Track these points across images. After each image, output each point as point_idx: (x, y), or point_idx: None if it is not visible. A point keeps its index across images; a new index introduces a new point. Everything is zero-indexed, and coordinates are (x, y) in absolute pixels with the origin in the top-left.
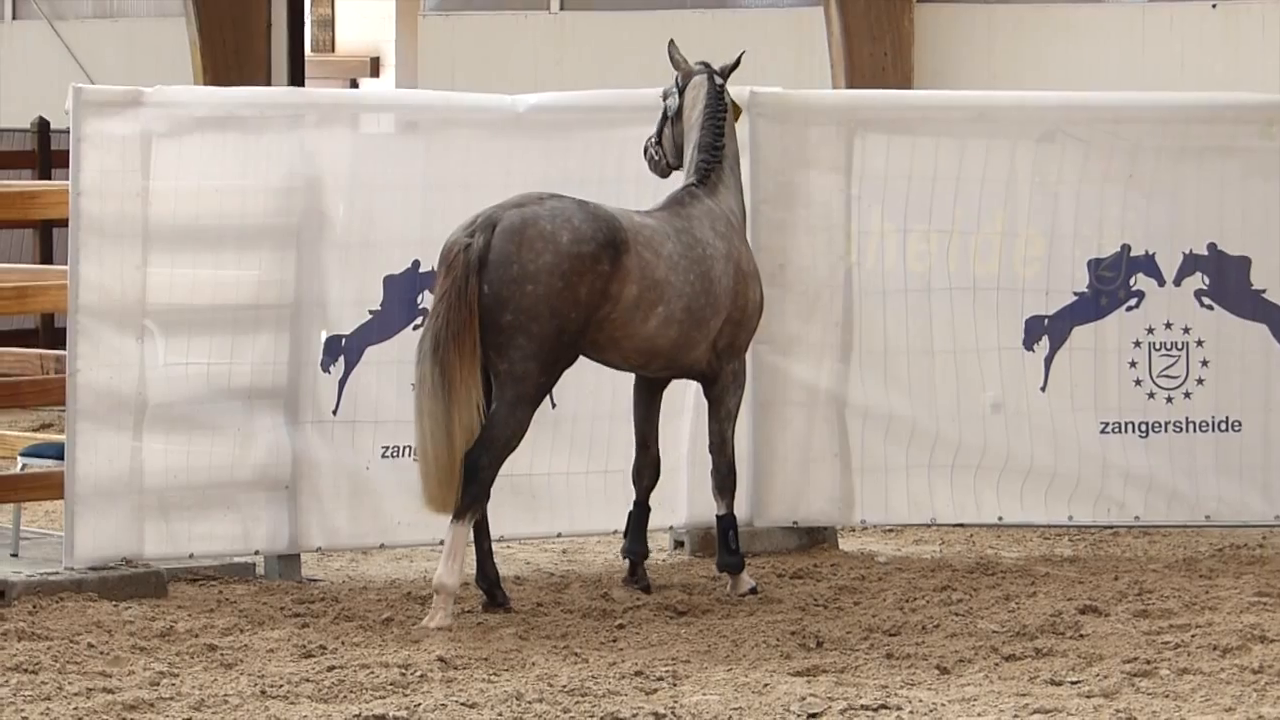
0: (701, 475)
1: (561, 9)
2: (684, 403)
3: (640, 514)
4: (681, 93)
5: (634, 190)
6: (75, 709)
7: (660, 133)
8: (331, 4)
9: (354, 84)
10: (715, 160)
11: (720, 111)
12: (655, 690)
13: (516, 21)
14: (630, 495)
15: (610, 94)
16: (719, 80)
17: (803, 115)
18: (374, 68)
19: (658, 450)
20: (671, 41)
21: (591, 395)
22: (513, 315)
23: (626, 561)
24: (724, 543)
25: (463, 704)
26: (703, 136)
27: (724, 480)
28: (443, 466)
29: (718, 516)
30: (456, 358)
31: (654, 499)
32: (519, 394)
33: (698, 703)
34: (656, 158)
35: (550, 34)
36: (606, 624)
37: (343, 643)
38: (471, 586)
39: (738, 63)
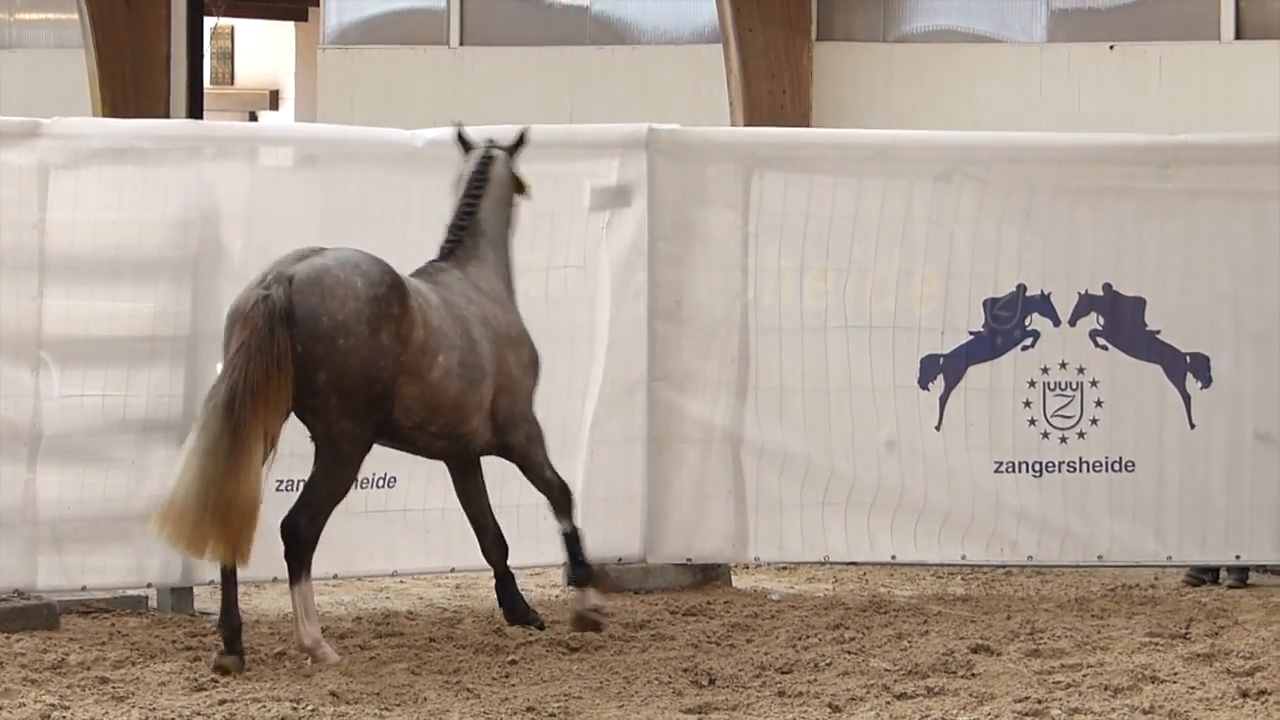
0: (595, 512)
1: (461, 44)
2: (579, 438)
3: (505, 584)
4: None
5: (529, 225)
6: None
7: None
8: (231, 36)
9: (253, 117)
10: (458, 238)
11: (475, 188)
12: None
13: (416, 56)
14: (532, 529)
15: (508, 129)
16: (489, 156)
17: (700, 152)
18: (273, 100)
19: (496, 524)
20: (459, 123)
21: None
22: (326, 373)
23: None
24: (573, 556)
25: None
26: (454, 213)
27: (559, 500)
28: (189, 520)
29: (564, 534)
30: (252, 415)
31: (548, 535)
32: (338, 454)
33: None
34: None
35: (450, 69)
36: (499, 659)
37: (234, 676)
38: (362, 621)
39: (521, 140)
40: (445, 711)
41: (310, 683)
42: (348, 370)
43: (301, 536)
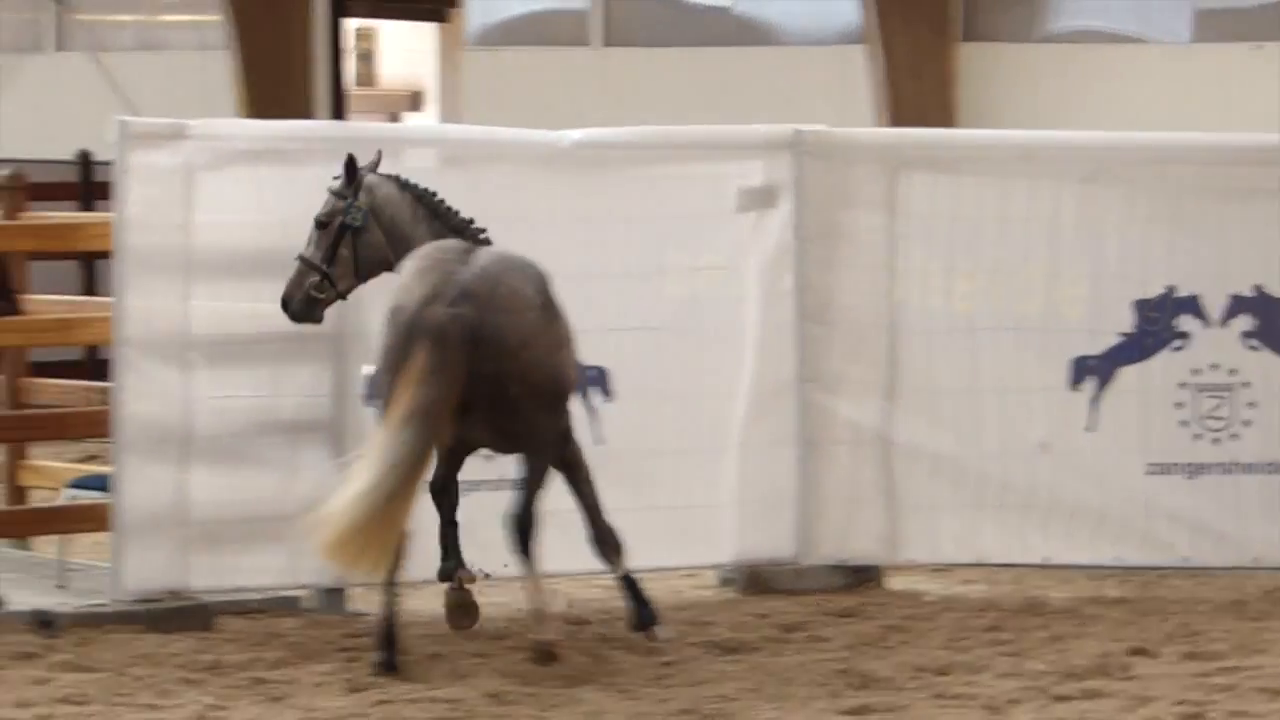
0: (747, 514)
1: (604, 45)
2: (728, 440)
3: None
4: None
5: (674, 225)
6: None
7: (332, 253)
8: (374, 38)
9: (396, 118)
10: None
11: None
12: None
13: (559, 57)
14: (672, 530)
15: (652, 130)
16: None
17: (846, 154)
18: (416, 102)
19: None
20: (349, 155)
21: (638, 432)
22: (518, 385)
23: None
24: (636, 597)
25: None
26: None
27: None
28: (361, 536)
29: (622, 578)
30: (440, 432)
31: (700, 536)
32: (542, 443)
33: None
34: (320, 293)
35: (592, 69)
36: (654, 661)
37: (391, 677)
38: (516, 622)
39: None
40: (603, 713)
41: (467, 684)
42: (536, 376)
43: (532, 530)
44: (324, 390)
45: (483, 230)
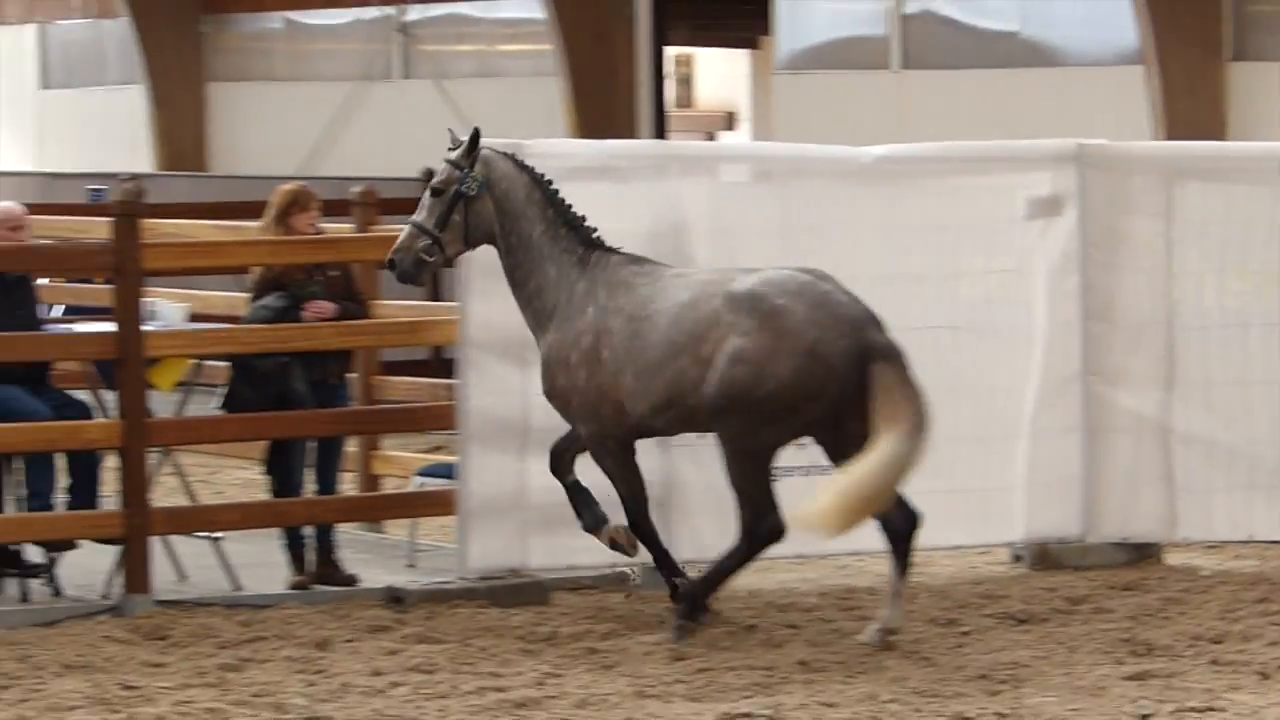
0: (1037, 495)
1: (902, 68)
2: (1021, 428)
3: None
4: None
5: (968, 233)
6: (469, 705)
7: (445, 219)
8: (691, 63)
9: (712, 137)
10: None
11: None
12: (998, 692)
13: (861, 80)
14: (969, 511)
15: (948, 146)
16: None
17: (1126, 165)
18: (730, 122)
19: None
20: (475, 129)
21: (937, 421)
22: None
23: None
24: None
25: (822, 703)
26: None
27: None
28: (852, 512)
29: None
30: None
31: (994, 517)
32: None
33: (1038, 704)
34: (429, 256)
35: (891, 91)
36: (953, 632)
37: (711, 647)
38: (826, 596)
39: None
40: (905, 678)
41: (781, 652)
42: None
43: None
44: None
45: (595, 229)
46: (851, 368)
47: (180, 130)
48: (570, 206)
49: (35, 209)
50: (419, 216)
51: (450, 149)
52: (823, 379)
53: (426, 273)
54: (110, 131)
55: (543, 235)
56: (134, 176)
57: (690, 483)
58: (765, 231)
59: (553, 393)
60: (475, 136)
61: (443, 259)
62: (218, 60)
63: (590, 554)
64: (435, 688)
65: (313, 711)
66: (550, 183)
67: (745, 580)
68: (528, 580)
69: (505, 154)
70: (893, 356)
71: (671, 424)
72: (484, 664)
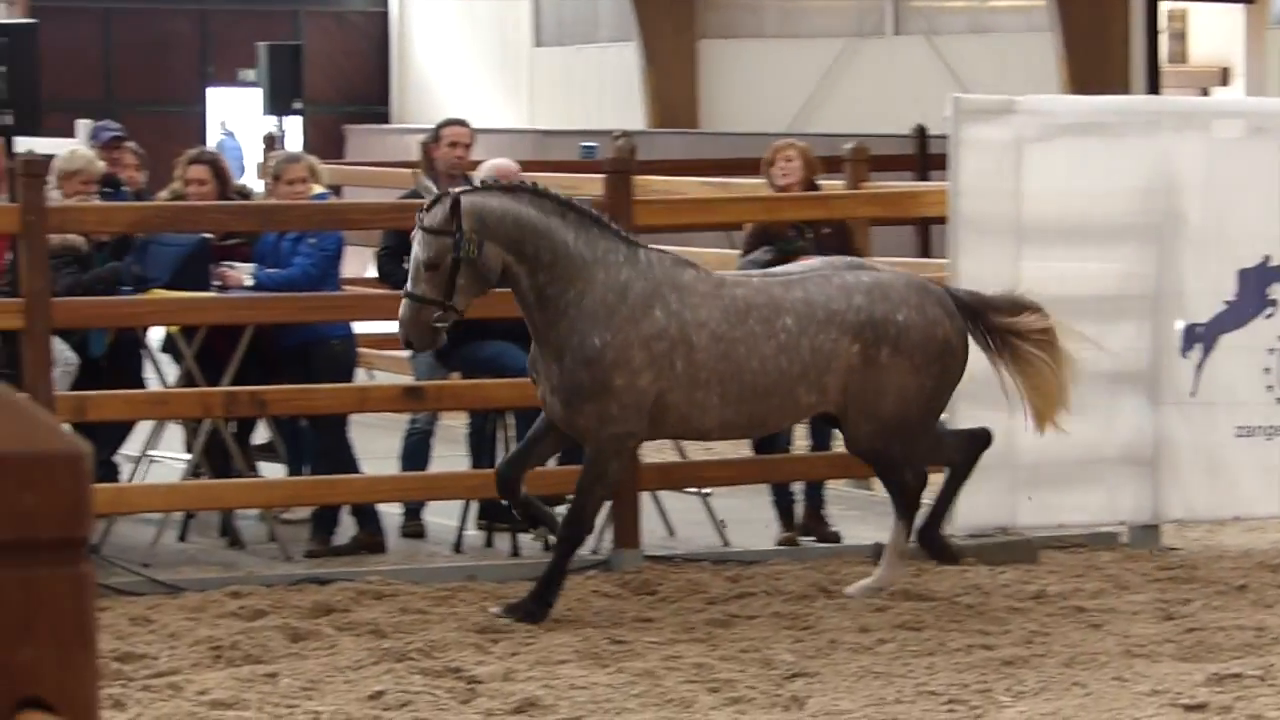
0: None
1: None
2: None
3: None
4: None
5: None
6: (956, 663)
7: (450, 288)
8: (1185, 18)
9: (1205, 92)
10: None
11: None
12: None
13: None
14: None
15: None
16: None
17: None
18: (1224, 77)
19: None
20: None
21: None
22: None
23: None
24: None
25: None
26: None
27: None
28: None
29: None
30: None
31: None
32: None
33: None
34: (443, 323)
35: None
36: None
37: (1201, 607)
38: None
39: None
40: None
41: (1271, 613)
42: None
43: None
44: (1143, 344)
45: (619, 226)
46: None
47: (671, 87)
48: (590, 206)
49: (527, 165)
50: (417, 290)
51: (421, 212)
52: (962, 360)
53: (442, 336)
54: (601, 89)
55: (579, 241)
56: (625, 133)
57: (1180, 442)
58: (1259, 187)
59: (598, 391)
60: (455, 204)
61: (457, 315)
62: (709, 17)
63: (1079, 513)
64: (922, 645)
65: (800, 667)
66: (551, 191)
67: (1234, 539)
68: (1016, 538)
69: (486, 186)
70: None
71: (734, 434)
72: (971, 622)
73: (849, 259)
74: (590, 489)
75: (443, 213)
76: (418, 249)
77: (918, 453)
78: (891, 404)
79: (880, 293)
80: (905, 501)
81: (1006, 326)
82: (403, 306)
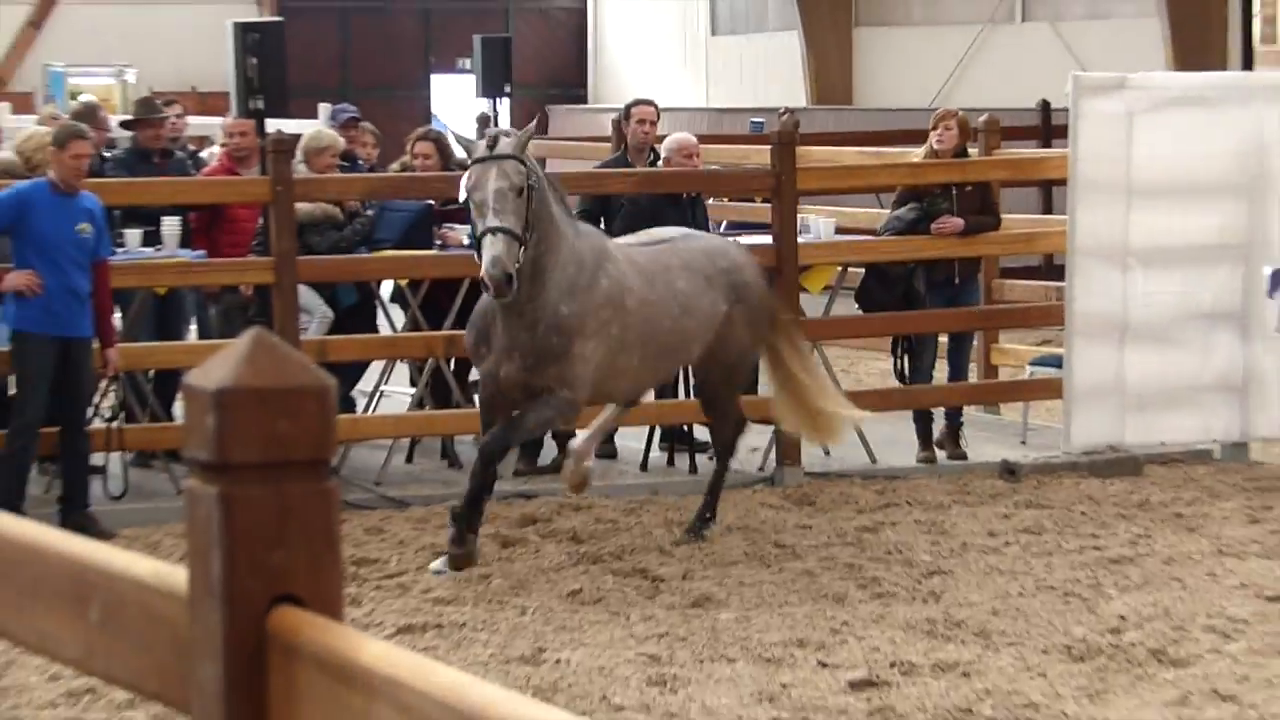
0: None
1: None
2: None
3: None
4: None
5: None
6: (1071, 561)
7: (525, 217)
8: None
9: None
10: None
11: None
12: None
13: None
14: None
15: None
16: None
17: None
18: None
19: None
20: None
21: None
22: None
23: None
24: None
25: None
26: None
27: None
28: None
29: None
30: None
31: None
32: None
33: None
34: (519, 262)
35: None
36: None
37: None
38: None
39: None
40: None
41: None
42: None
43: None
44: (1235, 286)
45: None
46: None
47: (830, 69)
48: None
49: (705, 139)
50: (505, 221)
51: (489, 143)
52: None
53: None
54: (769, 71)
55: (559, 209)
56: (789, 110)
57: (1267, 371)
58: None
59: (563, 355)
60: (529, 132)
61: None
62: (863, 7)
63: (1179, 432)
64: (1042, 546)
65: (936, 566)
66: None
67: None
68: (1124, 455)
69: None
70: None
71: (631, 397)
72: (1084, 526)
73: (682, 229)
74: (522, 427)
75: (519, 140)
76: (495, 179)
77: (734, 399)
78: (734, 355)
79: (730, 258)
80: (725, 445)
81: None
82: (492, 243)
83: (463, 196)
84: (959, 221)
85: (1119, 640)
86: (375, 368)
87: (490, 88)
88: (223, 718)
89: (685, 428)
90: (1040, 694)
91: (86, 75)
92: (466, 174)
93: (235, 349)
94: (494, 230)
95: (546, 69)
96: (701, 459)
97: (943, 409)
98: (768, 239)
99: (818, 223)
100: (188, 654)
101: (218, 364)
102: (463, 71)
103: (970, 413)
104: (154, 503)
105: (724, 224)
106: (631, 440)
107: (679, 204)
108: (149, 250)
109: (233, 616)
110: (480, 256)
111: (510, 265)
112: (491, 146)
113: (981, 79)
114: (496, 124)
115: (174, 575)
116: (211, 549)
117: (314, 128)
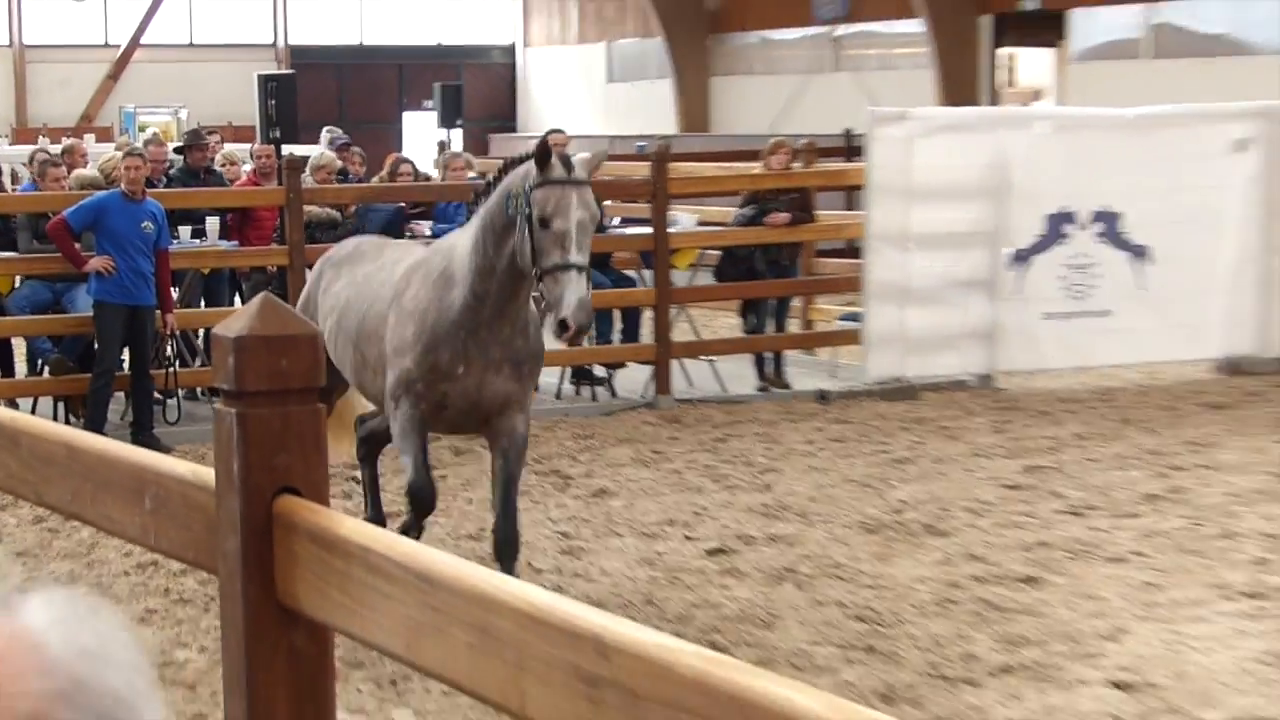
0: (1230, 322)
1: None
2: (1219, 283)
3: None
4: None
5: (1189, 164)
6: (867, 460)
7: (534, 248)
8: (1014, 59)
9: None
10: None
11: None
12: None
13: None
14: (1179, 334)
15: (1179, 106)
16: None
17: None
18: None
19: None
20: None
21: (1163, 280)
22: None
23: None
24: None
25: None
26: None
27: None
28: None
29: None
30: None
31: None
32: None
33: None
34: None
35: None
36: (1171, 414)
37: (1020, 425)
38: None
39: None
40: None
41: (1063, 428)
42: None
43: None
44: (985, 262)
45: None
46: None
47: (694, 107)
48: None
49: (611, 157)
50: (587, 260)
51: (563, 161)
52: None
53: None
54: (650, 108)
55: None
56: (664, 137)
57: (1007, 322)
58: (1061, 165)
59: (539, 354)
60: (602, 154)
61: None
62: (718, 62)
63: (944, 368)
64: (846, 450)
65: (770, 465)
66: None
67: (1043, 384)
68: (905, 384)
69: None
70: None
71: None
72: (877, 436)
73: (376, 238)
74: (515, 496)
75: (593, 163)
76: (578, 207)
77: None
78: None
79: None
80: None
81: None
82: (577, 282)
83: (534, 214)
84: (786, 216)
85: (901, 518)
86: None
87: (447, 121)
88: (241, 578)
89: (587, 367)
90: (844, 557)
91: (151, 113)
92: (540, 190)
93: (249, 308)
94: (578, 268)
95: (488, 107)
96: (600, 390)
97: (774, 352)
98: (648, 230)
99: (684, 217)
100: (216, 531)
101: (236, 319)
102: (426, 109)
103: (793, 355)
104: (201, 425)
105: (616, 219)
106: (550, 377)
107: None
108: (197, 241)
109: (248, 503)
110: (546, 287)
111: (590, 310)
112: (566, 166)
113: (804, 113)
114: (450, 148)
115: (205, 473)
116: (232, 453)
117: (317, 151)
